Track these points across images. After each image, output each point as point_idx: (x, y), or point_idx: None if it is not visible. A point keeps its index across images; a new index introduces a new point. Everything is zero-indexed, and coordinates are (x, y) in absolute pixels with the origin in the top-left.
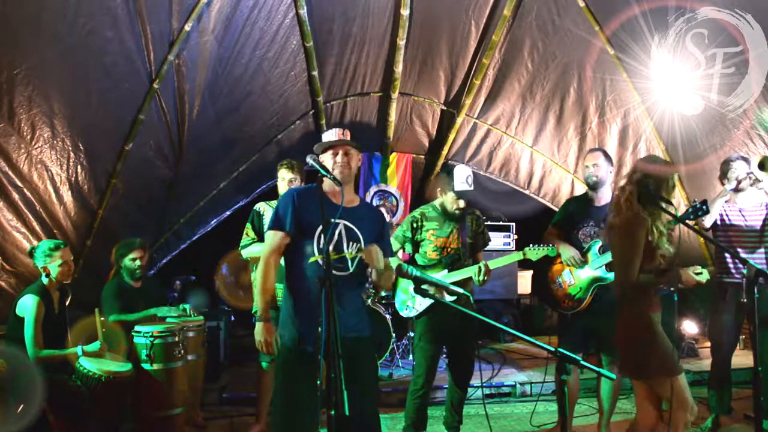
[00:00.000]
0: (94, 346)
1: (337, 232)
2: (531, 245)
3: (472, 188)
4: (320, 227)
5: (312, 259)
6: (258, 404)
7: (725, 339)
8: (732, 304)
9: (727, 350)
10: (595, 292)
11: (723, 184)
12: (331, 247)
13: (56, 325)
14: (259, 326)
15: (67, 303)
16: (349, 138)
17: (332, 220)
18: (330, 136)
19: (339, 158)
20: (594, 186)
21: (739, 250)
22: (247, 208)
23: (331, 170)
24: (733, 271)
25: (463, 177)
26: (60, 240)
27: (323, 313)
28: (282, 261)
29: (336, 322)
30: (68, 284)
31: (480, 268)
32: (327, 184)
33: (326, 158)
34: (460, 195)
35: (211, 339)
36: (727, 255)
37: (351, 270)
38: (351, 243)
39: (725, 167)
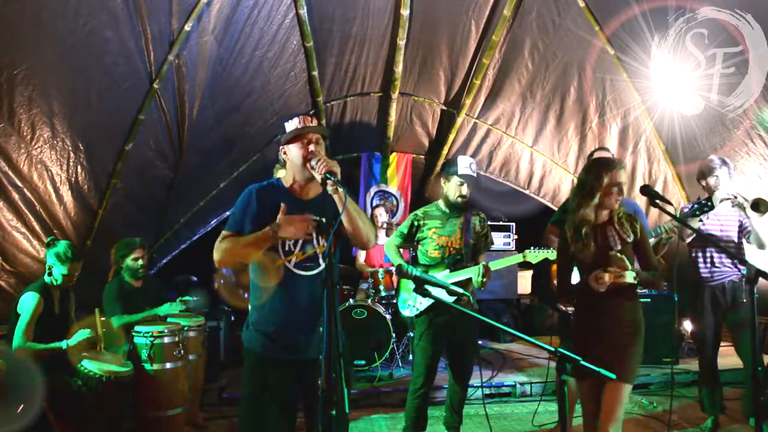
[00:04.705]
0: (79, 336)
1: None
2: (531, 248)
3: (475, 175)
4: None
5: (278, 263)
6: None
7: (708, 340)
8: (709, 305)
9: (711, 351)
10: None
11: (701, 184)
12: (297, 248)
13: (56, 324)
14: (279, 221)
15: (72, 306)
16: (316, 124)
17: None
18: (294, 124)
19: (312, 147)
20: None
21: (715, 254)
22: None
23: (303, 163)
24: (707, 274)
25: (466, 163)
26: (77, 252)
27: (324, 315)
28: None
29: (337, 323)
30: (71, 287)
31: (479, 269)
32: (290, 177)
33: (294, 149)
34: (463, 180)
35: (211, 339)
36: (700, 259)
37: (322, 267)
38: (321, 235)
39: (707, 171)
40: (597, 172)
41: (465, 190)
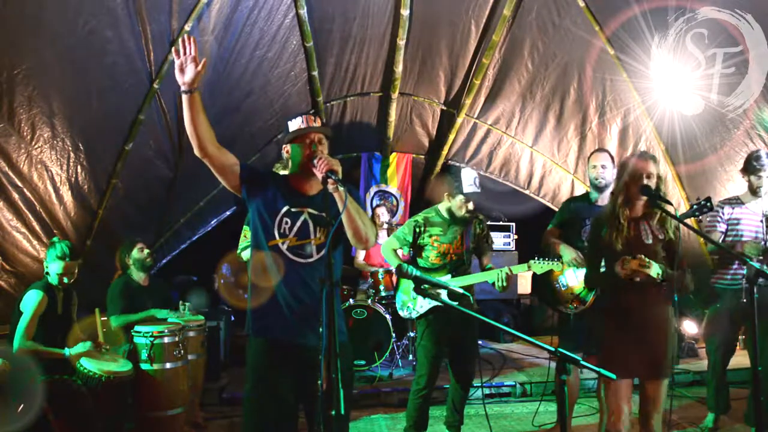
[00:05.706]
0: (80, 347)
1: (301, 219)
2: (536, 258)
3: (479, 190)
4: (283, 210)
5: (272, 242)
6: None
7: (721, 341)
8: (727, 309)
9: (723, 352)
10: (598, 291)
11: (743, 177)
12: (292, 234)
13: (58, 324)
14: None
15: (74, 305)
16: (319, 124)
17: (292, 208)
18: (298, 123)
19: (315, 148)
20: (603, 188)
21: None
22: (247, 208)
23: (305, 162)
24: (730, 280)
25: (470, 179)
26: (70, 250)
27: (324, 313)
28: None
29: (335, 322)
30: (72, 286)
31: (500, 274)
32: (293, 175)
33: (296, 148)
34: (468, 197)
35: (211, 339)
36: (724, 266)
37: (315, 257)
38: (318, 228)
39: (752, 169)
40: (619, 170)
41: (471, 206)
